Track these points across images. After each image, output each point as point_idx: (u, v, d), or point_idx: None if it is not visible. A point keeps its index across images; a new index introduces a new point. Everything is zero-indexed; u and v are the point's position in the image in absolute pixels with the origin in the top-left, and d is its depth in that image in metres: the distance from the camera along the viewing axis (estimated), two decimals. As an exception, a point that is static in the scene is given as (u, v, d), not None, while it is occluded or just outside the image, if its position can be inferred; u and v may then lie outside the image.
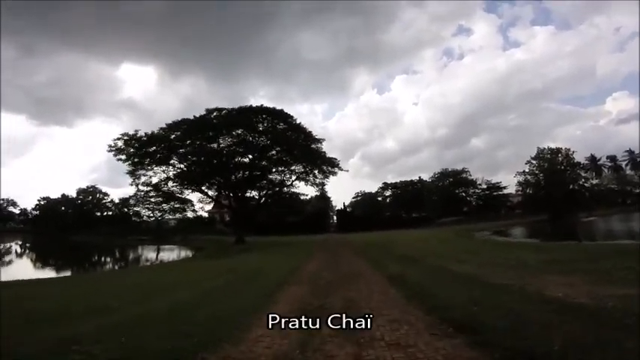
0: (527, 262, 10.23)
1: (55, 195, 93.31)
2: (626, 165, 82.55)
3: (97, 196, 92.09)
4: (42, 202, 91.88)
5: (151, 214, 74.84)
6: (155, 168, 32.06)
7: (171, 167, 32.66)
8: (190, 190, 34.91)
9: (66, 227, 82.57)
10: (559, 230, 34.50)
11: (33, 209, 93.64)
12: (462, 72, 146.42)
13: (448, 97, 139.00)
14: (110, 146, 30.26)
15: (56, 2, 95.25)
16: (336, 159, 36.78)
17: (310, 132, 35.16)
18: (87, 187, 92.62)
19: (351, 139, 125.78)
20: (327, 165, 35.87)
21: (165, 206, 68.46)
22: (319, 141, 35.38)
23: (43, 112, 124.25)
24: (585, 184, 64.93)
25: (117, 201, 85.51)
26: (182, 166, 32.62)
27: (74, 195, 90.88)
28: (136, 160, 30.71)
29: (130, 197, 73.85)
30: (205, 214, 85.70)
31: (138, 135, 30.64)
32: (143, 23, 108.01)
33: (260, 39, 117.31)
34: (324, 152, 36.07)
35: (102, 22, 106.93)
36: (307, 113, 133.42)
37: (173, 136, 31.21)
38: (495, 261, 11.04)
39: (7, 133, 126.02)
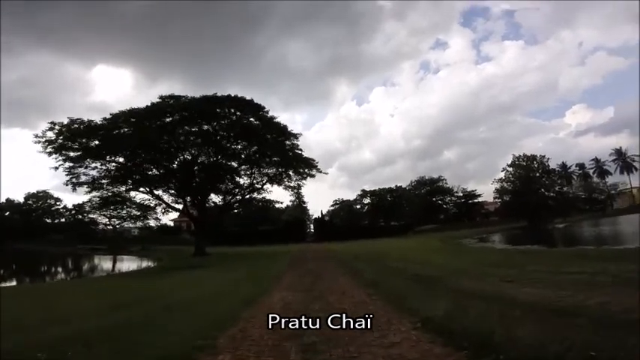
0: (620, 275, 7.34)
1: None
2: (593, 173, 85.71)
3: (48, 201, 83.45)
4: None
5: (108, 222, 68.93)
6: (94, 164, 26.23)
7: (111, 164, 26.69)
8: (137, 192, 29.43)
9: (9, 234, 73.75)
10: (544, 236, 33.54)
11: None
12: (437, 85, 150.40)
13: (423, 109, 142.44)
14: (37, 137, 24.05)
15: (35, 2, 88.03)
16: (313, 160, 31.84)
17: (285, 126, 30.10)
18: (37, 191, 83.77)
19: (329, 149, 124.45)
20: (304, 166, 31.20)
21: (122, 213, 62.74)
22: (295, 136, 30.47)
23: (9, 113, 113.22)
24: (561, 191, 65.67)
25: (70, 207, 77.55)
26: (122, 160, 26.63)
27: (22, 200, 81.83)
28: (71, 154, 25.06)
29: (84, 203, 66.89)
30: (171, 223, 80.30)
31: (73, 125, 24.51)
32: (122, 24, 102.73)
33: (242, 45, 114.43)
34: (301, 150, 31.38)
35: (79, 22, 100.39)
36: (287, 122, 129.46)
37: (116, 128, 25.03)
38: (566, 277, 7.92)
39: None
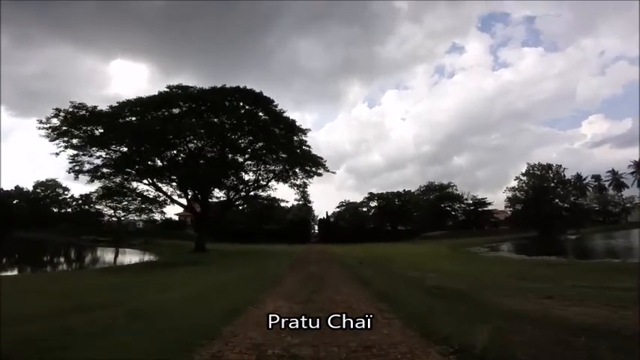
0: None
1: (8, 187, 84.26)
2: (609, 185, 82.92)
3: (57, 190, 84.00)
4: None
5: (113, 214, 68.80)
6: (98, 153, 25.17)
7: (115, 153, 25.60)
8: (139, 184, 28.42)
9: (16, 222, 74.27)
10: (557, 247, 32.10)
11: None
12: (451, 90, 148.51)
13: (435, 114, 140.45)
14: (42, 122, 23.20)
15: None
16: (321, 158, 30.62)
17: (294, 120, 28.80)
18: (46, 180, 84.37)
19: (339, 150, 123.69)
20: (311, 164, 29.85)
21: (127, 204, 62.39)
22: (304, 132, 29.18)
23: (24, 103, 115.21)
24: (576, 202, 63.45)
25: (77, 197, 77.91)
26: (125, 149, 25.41)
27: (31, 188, 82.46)
28: (74, 141, 24.10)
29: (91, 193, 67.00)
30: (176, 218, 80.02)
31: (78, 112, 23.54)
32: (140, 20, 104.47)
33: (257, 43, 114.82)
34: (309, 147, 30.03)
35: (100, 16, 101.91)
36: (298, 122, 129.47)
37: (121, 116, 24.41)
38: (615, 294, 6.69)
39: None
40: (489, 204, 75.57)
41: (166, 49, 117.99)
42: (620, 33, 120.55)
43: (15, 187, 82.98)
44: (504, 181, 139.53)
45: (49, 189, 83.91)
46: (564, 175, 63.29)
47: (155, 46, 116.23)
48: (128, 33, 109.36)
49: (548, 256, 22.08)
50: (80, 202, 79.23)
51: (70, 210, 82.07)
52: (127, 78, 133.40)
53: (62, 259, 30.20)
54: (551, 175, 62.06)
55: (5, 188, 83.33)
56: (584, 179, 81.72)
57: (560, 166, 63.08)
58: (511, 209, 64.58)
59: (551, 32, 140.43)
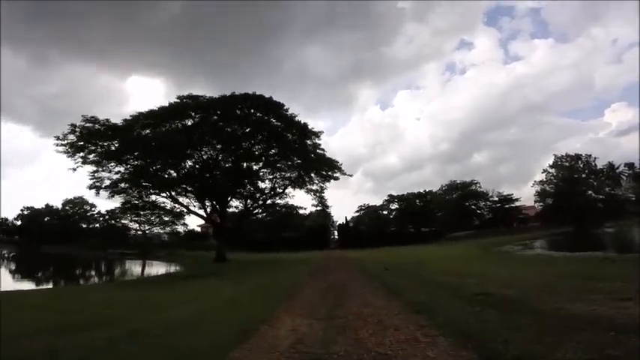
0: None
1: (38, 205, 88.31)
2: (645, 173, 77.57)
3: (84, 207, 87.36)
4: (24, 212, 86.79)
5: (138, 227, 70.47)
6: (117, 168, 25.42)
7: (129, 167, 25.69)
8: (158, 196, 28.49)
9: (48, 238, 77.62)
10: (597, 241, 29.69)
11: (15, 219, 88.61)
12: (463, 86, 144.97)
13: (450, 111, 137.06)
14: (59, 139, 23.44)
15: (72, 14, 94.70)
16: (337, 161, 29.73)
17: (305, 124, 28.07)
18: (74, 197, 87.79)
19: (353, 155, 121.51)
20: (327, 167, 29.06)
21: (153, 219, 63.76)
22: (316, 135, 28.31)
23: (48, 123, 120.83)
24: (612, 192, 59.42)
25: (104, 212, 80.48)
26: (139, 162, 25.40)
27: (60, 206, 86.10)
28: (90, 157, 24.39)
29: (116, 209, 69.07)
30: (198, 229, 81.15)
31: (92, 126, 23.85)
32: (152, 35, 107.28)
33: (266, 54, 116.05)
34: (323, 150, 29.20)
35: (115, 34, 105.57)
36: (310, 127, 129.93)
37: (133, 129, 24.40)
38: None
39: (10, 145, 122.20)
40: (516, 200, 71.97)
41: (179, 63, 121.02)
42: (629, 19, 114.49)
43: (45, 205, 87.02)
44: (528, 176, 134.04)
45: (77, 206, 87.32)
46: (595, 165, 59.52)
47: (169, 61, 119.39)
48: (142, 49, 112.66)
49: (592, 252, 20.33)
50: (107, 217, 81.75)
51: (97, 225, 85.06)
52: (144, 94, 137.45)
53: (83, 272, 30.66)
54: (581, 166, 58.57)
55: (37, 207, 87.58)
56: (617, 168, 76.98)
57: (590, 155, 59.49)
58: (541, 204, 61.27)
59: (558, 23, 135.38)
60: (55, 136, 23.94)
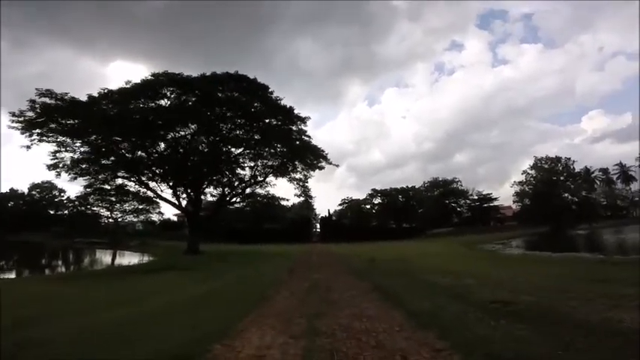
0: None
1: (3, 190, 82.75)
2: (617, 178, 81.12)
3: (52, 192, 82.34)
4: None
5: (110, 215, 66.98)
6: (82, 148, 22.95)
7: (89, 146, 23.25)
8: (123, 179, 26.16)
9: (12, 225, 72.67)
10: (573, 243, 30.23)
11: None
12: (451, 87, 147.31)
13: (436, 111, 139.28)
14: (14, 115, 20.81)
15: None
16: (323, 150, 28.09)
17: (292, 108, 26.12)
18: (42, 182, 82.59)
19: (339, 149, 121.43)
20: (312, 155, 27.42)
21: (125, 206, 60.52)
22: (302, 120, 26.45)
23: (23, 107, 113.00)
24: (587, 195, 61.31)
25: (73, 198, 76.18)
26: (100, 140, 22.84)
27: (26, 191, 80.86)
28: (50, 136, 21.56)
29: (87, 194, 65.31)
30: (175, 218, 78.20)
31: (53, 103, 21.17)
32: (139, 22, 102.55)
33: (256, 45, 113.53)
34: (309, 137, 27.43)
35: (98, 19, 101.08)
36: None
37: (99, 105, 21.99)
38: None
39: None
40: (495, 199, 73.89)
41: (165, 51, 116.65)
42: (617, 28, 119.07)
43: (10, 190, 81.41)
44: (505, 177, 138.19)
45: (45, 191, 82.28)
46: (574, 168, 61.22)
47: (154, 48, 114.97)
48: (127, 34, 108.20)
49: (573, 252, 20.21)
50: (76, 203, 77.46)
51: (67, 212, 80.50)
52: (125, 79, 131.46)
53: (37, 263, 28.20)
54: (560, 168, 59.93)
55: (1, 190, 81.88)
56: (592, 173, 79.82)
57: (569, 158, 61.01)
58: (519, 204, 62.44)
59: (549, 28, 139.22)
60: (10, 112, 21.34)
